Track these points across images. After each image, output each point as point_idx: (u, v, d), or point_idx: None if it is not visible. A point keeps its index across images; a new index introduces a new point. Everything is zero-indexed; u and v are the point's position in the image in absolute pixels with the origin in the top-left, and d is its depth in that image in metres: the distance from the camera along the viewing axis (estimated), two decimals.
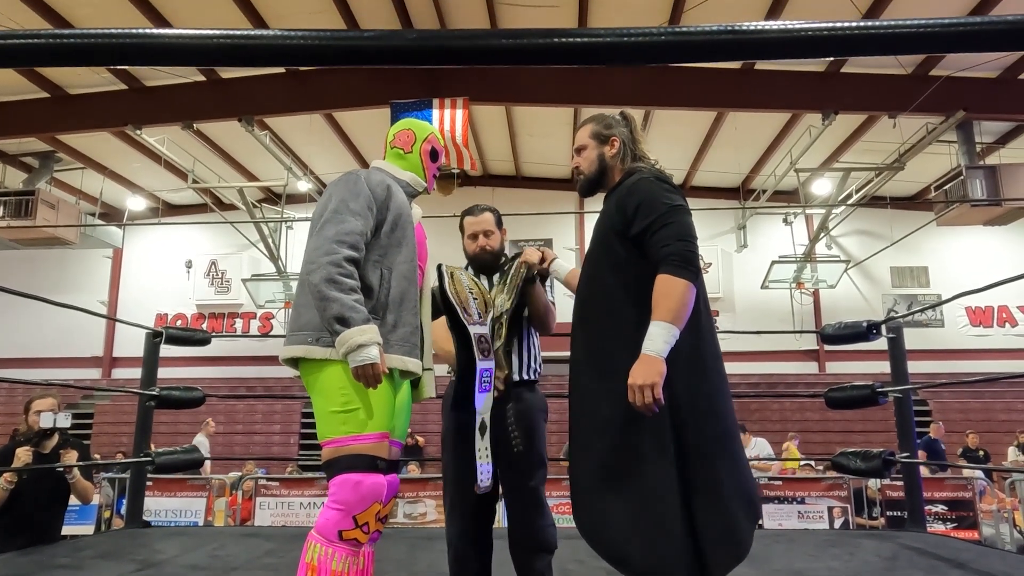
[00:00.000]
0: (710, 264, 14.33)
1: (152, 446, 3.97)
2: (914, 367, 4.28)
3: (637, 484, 1.75)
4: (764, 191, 13.02)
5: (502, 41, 1.22)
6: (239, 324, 15.21)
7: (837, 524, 6.08)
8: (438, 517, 5.91)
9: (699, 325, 1.83)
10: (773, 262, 13.02)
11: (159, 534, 3.91)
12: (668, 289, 1.76)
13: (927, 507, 5.43)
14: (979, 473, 7.44)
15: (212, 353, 10.48)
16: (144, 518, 4.08)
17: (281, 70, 9.97)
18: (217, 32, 1.16)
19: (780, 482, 6.56)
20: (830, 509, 6.17)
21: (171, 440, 8.61)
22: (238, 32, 1.18)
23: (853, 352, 8.08)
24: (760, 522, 5.73)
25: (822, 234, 12.92)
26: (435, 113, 8.87)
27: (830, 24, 1.12)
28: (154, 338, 4.03)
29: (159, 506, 6.33)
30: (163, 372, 4.23)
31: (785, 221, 13.29)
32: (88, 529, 5.66)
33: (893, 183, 12.02)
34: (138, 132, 10.34)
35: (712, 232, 14.20)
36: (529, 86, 9.88)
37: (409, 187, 2.21)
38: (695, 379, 1.80)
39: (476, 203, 2.61)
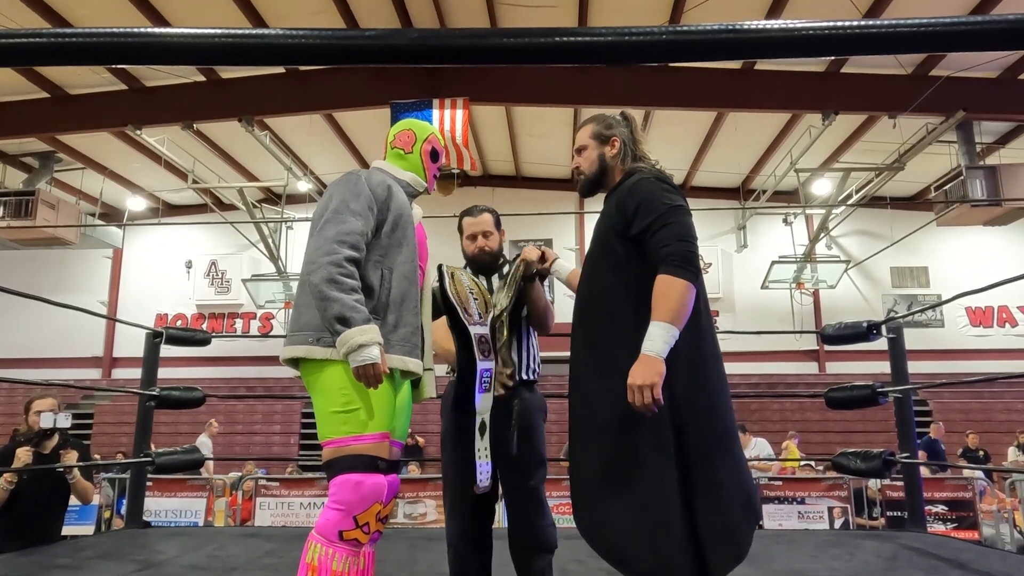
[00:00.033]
0: (710, 264, 14.33)
1: (152, 446, 3.97)
2: (914, 367, 4.28)
3: (637, 484, 1.75)
4: (764, 191, 13.02)
5: (503, 40, 1.22)
6: (239, 324, 15.21)
7: (837, 524, 6.08)
8: (438, 517, 5.91)
9: (699, 325, 1.83)
10: (773, 262, 13.02)
11: (159, 534, 3.90)
12: (668, 289, 1.76)
13: (927, 507, 5.44)
14: (979, 473, 7.44)
15: (212, 353, 10.46)
16: (144, 518, 4.07)
17: (281, 70, 9.98)
18: (217, 32, 1.16)
19: (780, 482, 6.55)
20: (830, 509, 6.17)
21: (171, 440, 8.60)
22: (238, 32, 1.18)
23: (853, 352, 8.07)
24: (760, 522, 5.74)
25: (822, 234, 12.91)
26: (435, 113, 8.87)
27: (830, 24, 1.12)
28: (154, 338, 4.04)
29: (159, 506, 6.33)
30: (163, 372, 4.22)
31: (785, 221, 13.29)
32: (88, 529, 5.65)
33: (893, 183, 12.02)
34: (138, 132, 10.34)
35: (712, 232, 14.20)
36: (529, 86, 9.88)
37: (409, 187, 2.21)
38: (695, 379, 1.80)
39: (475, 204, 2.60)
